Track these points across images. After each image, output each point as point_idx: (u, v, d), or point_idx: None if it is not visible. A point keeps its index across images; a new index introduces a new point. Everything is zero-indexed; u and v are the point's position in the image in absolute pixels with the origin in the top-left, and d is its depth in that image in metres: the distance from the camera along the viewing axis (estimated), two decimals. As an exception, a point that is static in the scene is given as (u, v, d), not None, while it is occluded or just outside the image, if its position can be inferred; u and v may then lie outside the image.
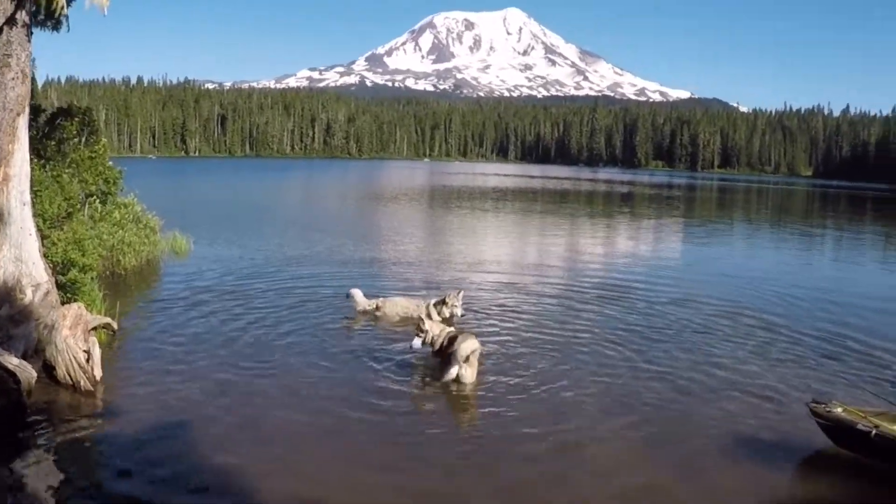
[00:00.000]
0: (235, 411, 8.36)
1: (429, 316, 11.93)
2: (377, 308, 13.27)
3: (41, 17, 12.77)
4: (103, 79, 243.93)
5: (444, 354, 9.87)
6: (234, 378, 9.47)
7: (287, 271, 17.79)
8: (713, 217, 47.27)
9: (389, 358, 10.75)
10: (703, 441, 8.21)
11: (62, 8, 9.05)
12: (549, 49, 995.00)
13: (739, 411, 9.07)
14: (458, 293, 12.85)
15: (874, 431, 7.47)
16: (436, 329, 10.31)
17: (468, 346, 9.51)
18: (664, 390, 9.74)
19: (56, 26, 13.46)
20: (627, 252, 25.65)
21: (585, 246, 27.43)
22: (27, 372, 8.18)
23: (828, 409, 7.91)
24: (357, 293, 13.60)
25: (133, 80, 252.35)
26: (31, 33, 9.34)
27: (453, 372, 9.43)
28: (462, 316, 12.63)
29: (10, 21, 8.79)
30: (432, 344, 10.22)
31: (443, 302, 12.75)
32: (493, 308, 14.51)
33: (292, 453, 7.40)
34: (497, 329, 12.75)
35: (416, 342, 10.29)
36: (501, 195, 59.68)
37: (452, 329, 10.52)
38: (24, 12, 8.92)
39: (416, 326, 10.43)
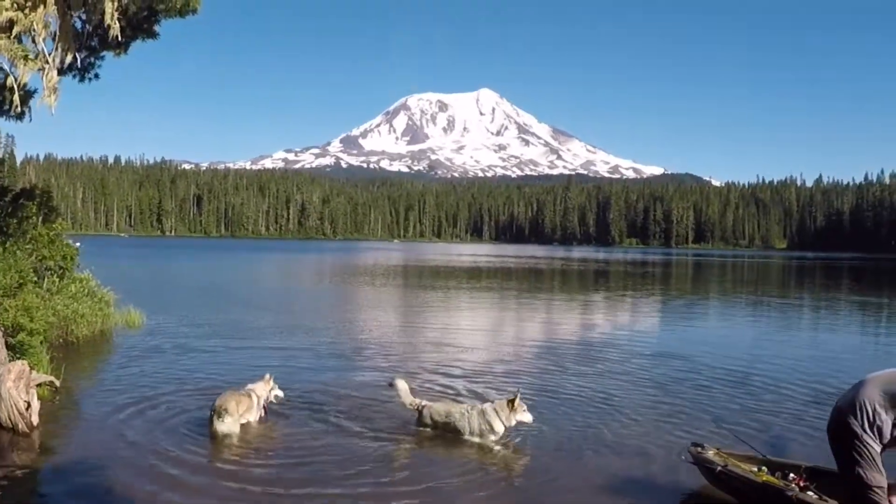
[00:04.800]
0: (143, 462, 9.18)
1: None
2: (417, 410, 10.90)
3: (6, 108, 14.43)
4: (81, 157, 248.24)
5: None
6: (154, 437, 10.23)
7: (233, 347, 18.24)
8: (687, 292, 47.84)
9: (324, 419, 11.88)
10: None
11: (16, 107, 10.59)
12: (522, 129, 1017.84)
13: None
14: (516, 396, 10.45)
15: (718, 468, 8.07)
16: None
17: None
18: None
19: (20, 117, 15.12)
20: (599, 329, 25.67)
21: (559, 325, 27.48)
22: (-28, 415, 9.51)
23: (699, 451, 8.49)
24: (401, 384, 11.20)
25: (111, 160, 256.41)
26: (-11, 127, 10.89)
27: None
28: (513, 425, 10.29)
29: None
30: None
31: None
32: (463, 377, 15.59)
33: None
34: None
35: None
36: (475, 275, 59.85)
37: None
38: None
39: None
